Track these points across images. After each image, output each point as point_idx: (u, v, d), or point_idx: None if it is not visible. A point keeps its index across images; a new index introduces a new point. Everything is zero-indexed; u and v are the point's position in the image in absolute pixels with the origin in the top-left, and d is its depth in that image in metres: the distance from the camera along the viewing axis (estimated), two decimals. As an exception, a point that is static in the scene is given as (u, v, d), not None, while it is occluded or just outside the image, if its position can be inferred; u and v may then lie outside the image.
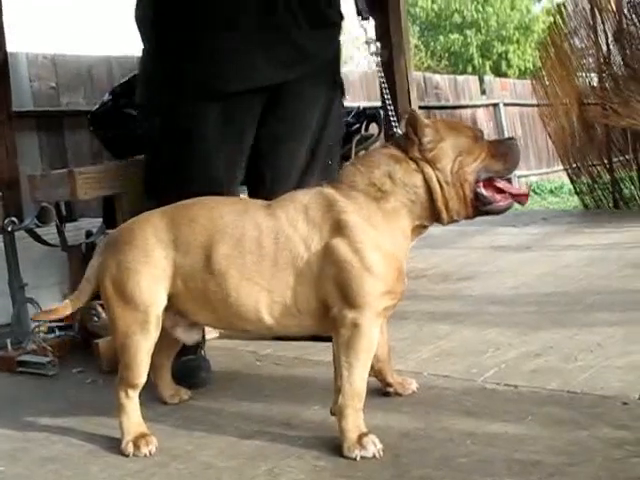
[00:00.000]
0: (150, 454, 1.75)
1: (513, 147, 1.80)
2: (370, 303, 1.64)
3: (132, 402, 1.81)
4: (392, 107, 2.02)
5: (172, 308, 1.80)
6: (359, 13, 2.24)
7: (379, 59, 2.12)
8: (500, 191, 1.77)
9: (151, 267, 1.75)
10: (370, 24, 2.20)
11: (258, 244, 1.70)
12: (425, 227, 1.78)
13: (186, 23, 2.30)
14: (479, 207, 1.75)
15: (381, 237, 1.66)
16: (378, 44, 2.14)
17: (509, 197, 1.78)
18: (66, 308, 1.88)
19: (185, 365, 2.26)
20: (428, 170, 1.70)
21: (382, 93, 2.09)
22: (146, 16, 2.40)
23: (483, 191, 1.74)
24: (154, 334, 1.78)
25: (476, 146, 1.74)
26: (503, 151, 1.77)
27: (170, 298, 1.78)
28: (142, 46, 2.48)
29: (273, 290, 1.69)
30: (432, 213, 1.73)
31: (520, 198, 1.80)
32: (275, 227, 1.70)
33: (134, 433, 1.78)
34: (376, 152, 1.77)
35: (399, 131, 1.85)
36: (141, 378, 1.80)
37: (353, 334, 1.64)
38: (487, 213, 1.78)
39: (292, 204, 1.74)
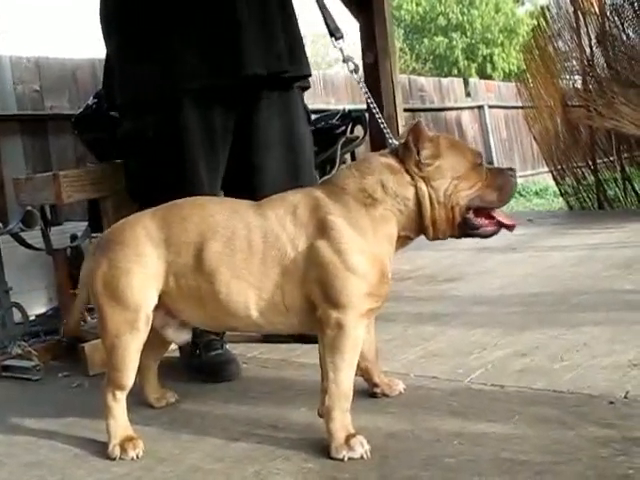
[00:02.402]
0: (137, 457, 1.74)
1: (511, 180, 1.79)
2: (353, 303, 1.64)
3: (119, 405, 1.80)
4: (382, 119, 2.02)
5: (162, 307, 1.80)
6: (332, 34, 2.25)
7: (361, 76, 2.13)
8: (489, 217, 1.77)
9: (142, 266, 1.75)
10: (345, 43, 2.22)
11: (248, 242, 1.71)
12: (410, 239, 1.79)
13: (148, 20, 2.31)
14: (465, 230, 1.76)
15: (365, 241, 1.67)
16: (356, 62, 2.16)
17: (497, 224, 1.78)
18: (74, 320, 2.00)
19: (214, 360, 2.32)
20: (422, 186, 1.70)
21: (368, 106, 2.10)
22: (110, 14, 2.42)
23: (472, 218, 1.75)
24: (143, 334, 1.77)
25: (474, 172, 1.74)
26: (500, 183, 1.77)
27: (160, 297, 1.78)
28: (107, 45, 2.46)
29: (262, 287, 1.70)
30: (418, 227, 1.75)
31: (507, 227, 1.80)
32: (264, 226, 1.71)
33: (121, 436, 1.77)
34: (373, 159, 1.77)
35: (395, 141, 1.85)
36: (129, 380, 1.79)
37: (338, 335, 1.64)
38: (473, 236, 1.79)
39: (282, 204, 1.75)
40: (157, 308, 1.80)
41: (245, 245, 1.71)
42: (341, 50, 2.18)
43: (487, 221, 1.77)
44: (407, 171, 1.71)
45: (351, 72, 2.14)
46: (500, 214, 1.79)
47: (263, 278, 1.69)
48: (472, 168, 1.74)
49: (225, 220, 1.75)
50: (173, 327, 1.89)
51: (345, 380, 1.66)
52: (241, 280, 1.70)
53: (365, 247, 1.66)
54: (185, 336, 1.94)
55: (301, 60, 2.49)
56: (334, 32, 2.23)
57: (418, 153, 1.70)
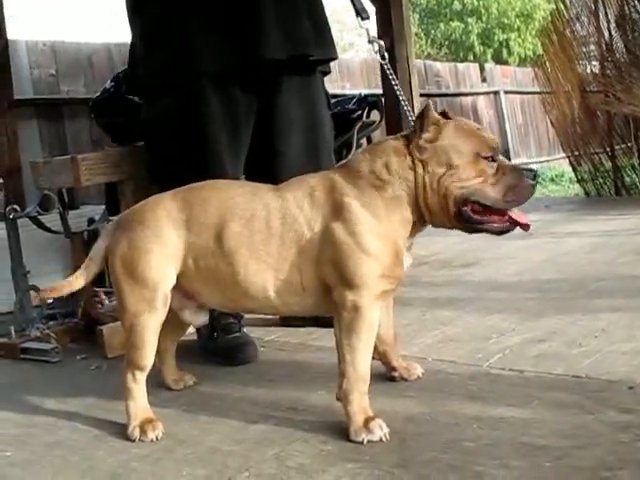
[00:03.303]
0: (157, 439, 1.75)
1: (524, 182, 1.66)
2: (368, 285, 1.65)
3: (139, 386, 1.81)
4: (407, 104, 2.00)
5: (180, 289, 1.82)
6: (358, 14, 2.23)
7: (386, 56, 2.09)
8: (500, 212, 1.69)
9: (162, 246, 1.77)
10: (371, 23, 2.20)
11: (266, 224, 1.72)
12: (423, 223, 1.75)
13: (171, 5, 2.34)
14: (463, 223, 1.69)
15: (379, 222, 1.67)
16: (382, 42, 2.12)
17: (508, 221, 1.69)
18: (69, 285, 1.88)
19: (232, 343, 2.34)
20: (419, 170, 1.67)
21: (384, 90, 2.08)
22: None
23: (469, 212, 1.67)
24: (161, 314, 1.79)
25: (478, 164, 1.65)
26: (511, 182, 1.66)
27: (179, 278, 1.80)
28: (132, 30, 2.50)
29: (279, 268, 1.71)
30: (420, 212, 1.72)
31: (521, 226, 1.70)
32: (283, 208, 1.73)
33: (141, 418, 1.78)
34: (385, 142, 1.77)
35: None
36: (148, 360, 1.80)
37: (354, 317, 1.65)
38: (480, 231, 1.71)
39: (300, 186, 1.76)
40: (175, 290, 1.81)
41: (264, 226, 1.72)
42: (367, 31, 2.16)
43: (497, 217, 1.69)
44: (410, 153, 1.69)
45: (376, 53, 2.12)
46: (512, 212, 1.70)
47: (280, 259, 1.71)
48: (476, 159, 1.65)
49: (245, 202, 1.76)
50: (190, 309, 1.90)
51: (362, 362, 1.66)
52: (259, 261, 1.72)
53: (378, 228, 1.66)
54: (202, 318, 1.96)
55: (328, 43, 2.50)
56: (360, 12, 2.22)
57: (420, 135, 1.68)
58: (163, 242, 1.77)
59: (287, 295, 1.74)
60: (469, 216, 1.68)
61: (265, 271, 1.72)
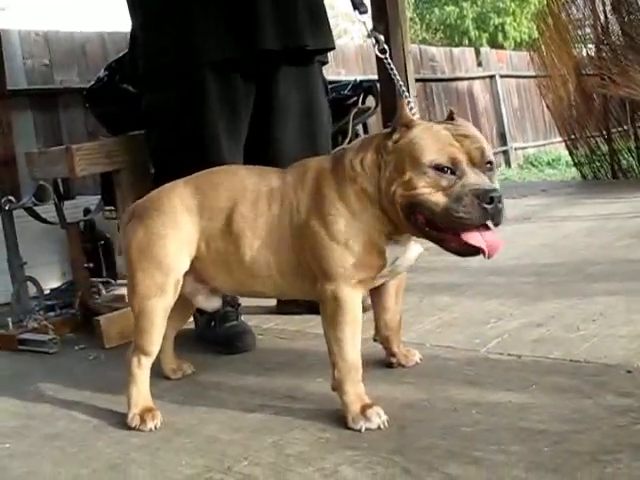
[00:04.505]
0: (155, 429, 1.75)
1: (474, 203, 1.48)
2: (343, 274, 1.64)
3: (143, 373, 1.81)
4: (408, 93, 1.98)
5: (193, 273, 1.84)
6: (355, 7, 2.22)
7: (386, 50, 2.03)
8: (455, 231, 1.53)
9: (178, 232, 1.79)
10: (368, 16, 2.18)
11: (269, 206, 1.75)
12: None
13: None
14: (427, 237, 1.58)
15: (351, 213, 1.64)
16: (381, 37, 2.09)
17: (464, 243, 1.52)
18: None
19: (230, 331, 2.35)
20: (382, 170, 1.62)
21: (387, 76, 2.05)
22: None
23: (420, 223, 1.56)
24: (171, 299, 1.81)
25: (428, 175, 1.52)
26: (462, 200, 1.48)
27: (192, 263, 1.82)
28: (133, 19, 2.50)
29: (280, 249, 1.74)
30: None
31: (482, 252, 1.52)
32: (282, 190, 1.75)
33: (141, 406, 1.78)
34: (375, 135, 1.74)
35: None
36: (155, 345, 1.81)
37: (335, 309, 1.65)
38: (444, 248, 1.57)
39: (298, 170, 1.78)
40: (188, 274, 1.84)
41: (266, 208, 1.75)
42: (364, 24, 2.15)
43: (453, 236, 1.54)
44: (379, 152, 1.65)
45: (374, 46, 2.08)
46: (470, 234, 1.52)
47: (280, 241, 1.73)
48: (429, 169, 1.52)
49: (252, 184, 1.79)
50: (203, 294, 1.93)
51: (350, 352, 1.66)
52: (263, 242, 1.74)
53: (351, 219, 1.64)
54: (216, 303, 1.97)
55: (324, 33, 2.51)
56: (358, 6, 2.20)
57: (391, 136, 1.62)
58: (179, 228, 1.80)
59: (290, 277, 1.76)
60: (421, 227, 1.57)
61: (268, 252, 1.74)
